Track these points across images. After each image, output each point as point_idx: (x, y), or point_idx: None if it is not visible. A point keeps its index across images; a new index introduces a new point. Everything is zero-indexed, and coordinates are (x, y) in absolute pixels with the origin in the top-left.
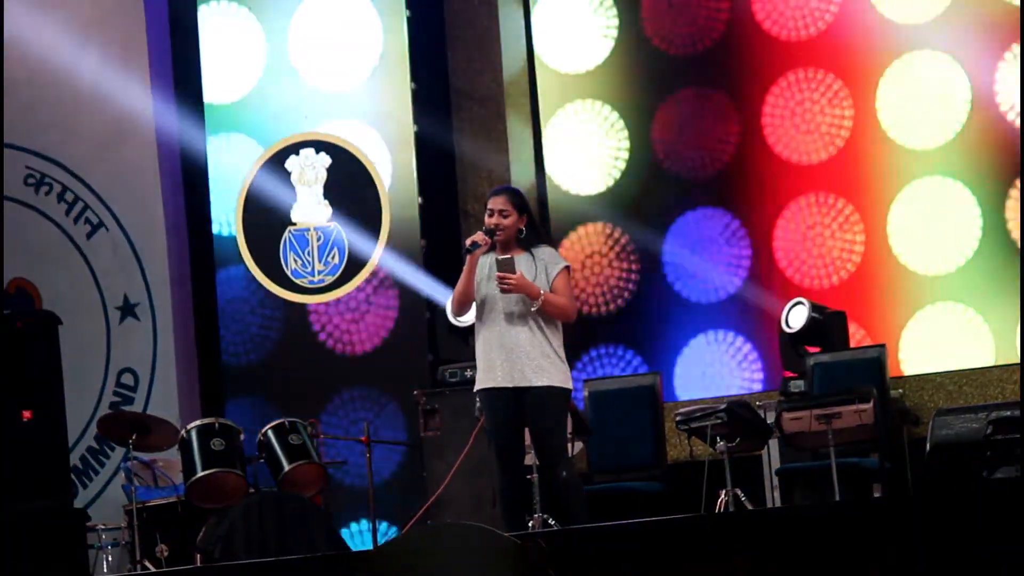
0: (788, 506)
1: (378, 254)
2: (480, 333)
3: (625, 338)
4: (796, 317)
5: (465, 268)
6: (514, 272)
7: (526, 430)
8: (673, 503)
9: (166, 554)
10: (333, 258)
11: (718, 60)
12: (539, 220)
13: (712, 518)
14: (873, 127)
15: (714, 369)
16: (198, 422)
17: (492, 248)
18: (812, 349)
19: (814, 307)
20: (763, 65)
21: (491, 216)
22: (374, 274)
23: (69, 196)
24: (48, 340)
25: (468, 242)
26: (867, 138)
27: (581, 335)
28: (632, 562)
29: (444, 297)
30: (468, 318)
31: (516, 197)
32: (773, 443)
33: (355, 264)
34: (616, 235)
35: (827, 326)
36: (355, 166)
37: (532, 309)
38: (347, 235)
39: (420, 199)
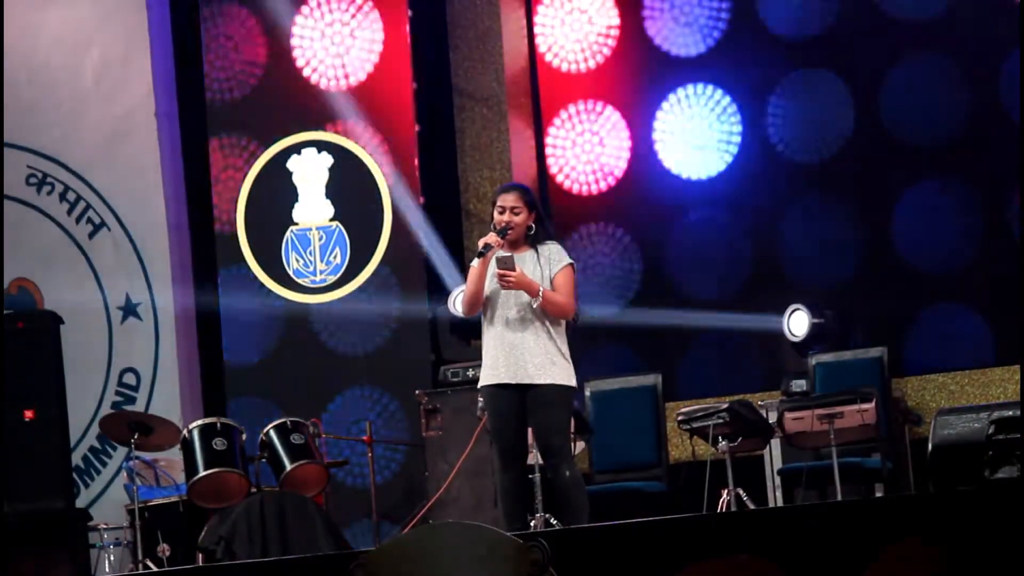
0: (790, 506)
1: (380, 253)
2: (486, 330)
3: (627, 337)
4: (797, 324)
5: (476, 270)
6: (513, 269)
7: (529, 429)
8: (675, 503)
9: (168, 554)
10: (335, 257)
11: (719, 60)
12: None
13: (714, 518)
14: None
15: (716, 369)
16: (200, 422)
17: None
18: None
19: (813, 311)
20: (766, 65)
21: (502, 213)
22: (376, 273)
23: (71, 196)
24: (50, 340)
25: (481, 244)
26: (867, 137)
27: (583, 335)
28: (633, 562)
29: (446, 297)
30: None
31: (527, 194)
32: (775, 443)
33: (357, 263)
34: (618, 235)
35: (829, 327)
36: (357, 166)
37: (534, 306)
38: (349, 235)
39: (422, 198)
